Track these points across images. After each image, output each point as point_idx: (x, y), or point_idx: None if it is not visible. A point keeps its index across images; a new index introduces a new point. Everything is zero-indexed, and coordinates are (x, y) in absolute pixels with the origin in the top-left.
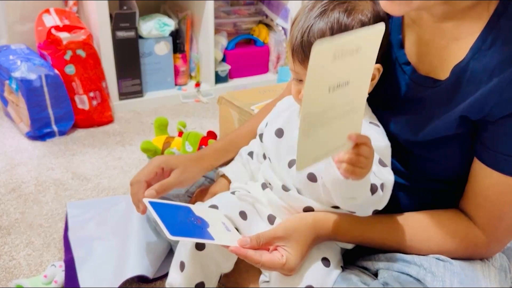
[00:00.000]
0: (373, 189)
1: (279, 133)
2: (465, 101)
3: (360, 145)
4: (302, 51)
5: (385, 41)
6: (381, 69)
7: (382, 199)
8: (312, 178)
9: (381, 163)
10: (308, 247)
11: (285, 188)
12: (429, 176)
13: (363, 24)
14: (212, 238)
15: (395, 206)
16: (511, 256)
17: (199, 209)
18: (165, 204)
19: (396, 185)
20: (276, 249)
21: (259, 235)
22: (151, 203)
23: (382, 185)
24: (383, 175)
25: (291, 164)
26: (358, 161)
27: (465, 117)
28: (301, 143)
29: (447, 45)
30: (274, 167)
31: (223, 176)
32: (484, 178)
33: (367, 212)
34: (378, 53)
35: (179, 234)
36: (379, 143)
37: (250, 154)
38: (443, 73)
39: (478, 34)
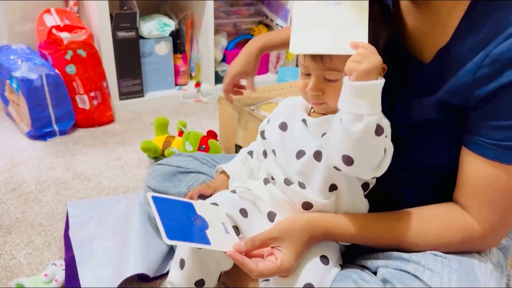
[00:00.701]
0: (378, 130)
1: (283, 126)
2: (444, 85)
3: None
4: None
5: (390, 41)
6: (386, 68)
7: (383, 161)
8: (317, 156)
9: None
10: (303, 247)
11: (287, 182)
12: (422, 168)
13: (370, 22)
14: (208, 243)
15: (392, 199)
16: (507, 253)
17: (200, 206)
18: (167, 200)
19: (392, 178)
20: (271, 254)
21: (254, 238)
22: (154, 199)
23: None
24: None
25: (299, 155)
26: (353, 58)
27: (445, 101)
28: (294, 30)
29: (430, 31)
30: (279, 160)
31: (222, 172)
32: (471, 166)
33: (368, 168)
34: (384, 52)
35: (176, 237)
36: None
37: (250, 153)
38: (427, 57)
39: (459, 19)
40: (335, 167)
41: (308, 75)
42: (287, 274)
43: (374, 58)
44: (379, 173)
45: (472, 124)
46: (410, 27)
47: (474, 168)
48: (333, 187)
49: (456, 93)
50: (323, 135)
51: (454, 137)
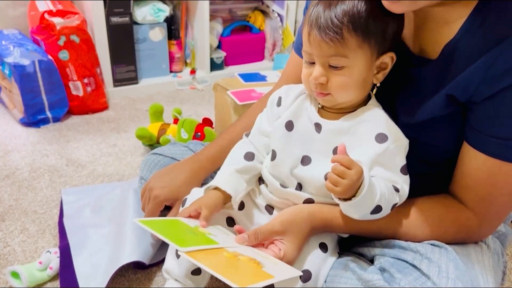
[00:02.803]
0: (376, 209)
1: (289, 125)
2: (453, 79)
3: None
4: (323, 26)
5: (400, 32)
6: (395, 58)
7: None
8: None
9: (403, 170)
10: (305, 239)
11: (283, 186)
12: (418, 158)
13: (381, 9)
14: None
15: None
16: (505, 240)
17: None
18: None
19: None
20: (272, 243)
21: (257, 231)
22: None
23: (394, 205)
24: (403, 190)
25: (304, 161)
26: (331, 178)
27: (452, 96)
28: None
29: (437, 28)
30: (277, 163)
31: (216, 189)
32: (472, 160)
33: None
34: (393, 42)
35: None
36: (403, 141)
37: (248, 155)
38: (434, 53)
39: (467, 16)
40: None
41: (312, 63)
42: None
43: (351, 175)
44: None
45: (476, 120)
46: (413, 25)
47: (474, 163)
48: None
49: (464, 87)
50: (334, 149)
51: (454, 132)
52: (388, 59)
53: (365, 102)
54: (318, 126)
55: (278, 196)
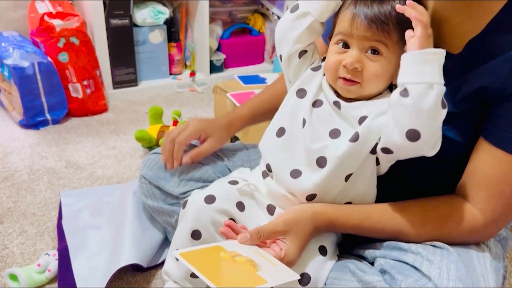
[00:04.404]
0: (443, 102)
1: (314, 102)
2: (479, 76)
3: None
4: (374, 10)
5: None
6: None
7: (439, 137)
8: (355, 138)
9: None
10: (307, 239)
11: (293, 175)
12: (434, 155)
13: None
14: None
15: (392, 180)
16: (506, 244)
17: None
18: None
19: (402, 163)
20: (274, 242)
21: (259, 230)
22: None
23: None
24: None
25: (334, 134)
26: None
27: (477, 92)
28: None
29: (462, 22)
30: (293, 143)
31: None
32: (487, 157)
33: (430, 143)
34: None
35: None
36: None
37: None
38: (455, 48)
39: (495, 12)
40: (385, 149)
41: (345, 50)
42: (290, 266)
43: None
44: (435, 150)
45: (498, 116)
46: (436, 17)
47: (489, 159)
48: (348, 177)
49: (491, 85)
50: (360, 119)
51: (470, 128)
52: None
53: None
54: (337, 104)
55: (284, 185)
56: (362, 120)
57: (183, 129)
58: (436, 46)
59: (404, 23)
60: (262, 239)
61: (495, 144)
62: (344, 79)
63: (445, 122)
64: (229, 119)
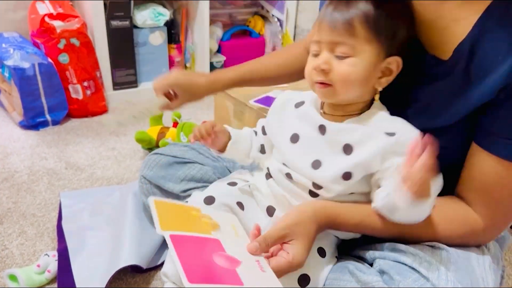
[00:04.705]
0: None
1: (295, 138)
2: (473, 83)
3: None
4: (336, 12)
5: (410, 38)
6: (400, 65)
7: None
8: (346, 176)
9: None
10: (312, 238)
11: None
12: None
13: (396, 9)
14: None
15: None
16: (504, 244)
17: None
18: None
19: None
20: (281, 249)
21: (266, 237)
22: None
23: None
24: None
25: (315, 165)
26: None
27: (474, 101)
28: None
29: (447, 26)
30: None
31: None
32: (481, 163)
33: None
34: (402, 46)
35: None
36: (413, 132)
37: (255, 132)
38: (445, 53)
39: (480, 12)
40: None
41: (318, 55)
42: (300, 267)
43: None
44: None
45: (491, 122)
46: (425, 22)
47: (484, 165)
48: (347, 177)
49: (485, 92)
50: (344, 146)
51: (464, 134)
52: (394, 64)
53: (368, 106)
54: (322, 128)
55: (285, 187)
56: (346, 148)
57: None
58: (426, 52)
59: (373, 21)
60: (270, 246)
61: (489, 151)
62: (319, 83)
63: (437, 133)
64: (214, 76)
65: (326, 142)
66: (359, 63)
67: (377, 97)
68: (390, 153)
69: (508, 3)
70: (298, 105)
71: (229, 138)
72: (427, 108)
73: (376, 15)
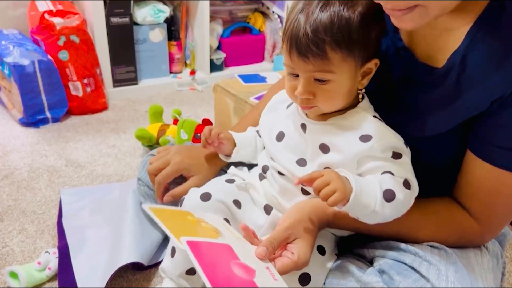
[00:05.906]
0: (388, 195)
1: (280, 136)
2: (465, 93)
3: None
4: (303, 43)
5: (382, 36)
6: (378, 63)
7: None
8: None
9: (395, 156)
10: (315, 235)
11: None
12: (423, 166)
13: (362, 16)
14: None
15: None
16: (505, 240)
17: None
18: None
19: None
20: (285, 249)
21: (271, 240)
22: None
23: (405, 181)
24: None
25: (300, 163)
26: (324, 193)
27: (470, 114)
28: None
29: (441, 35)
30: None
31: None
32: (476, 170)
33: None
34: (376, 47)
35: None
36: (389, 139)
37: (258, 132)
38: (439, 61)
39: (472, 23)
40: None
41: (296, 76)
42: (305, 266)
43: (335, 178)
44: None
45: (484, 130)
46: (417, 31)
47: (479, 172)
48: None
49: (478, 101)
50: (320, 145)
51: (458, 141)
52: (373, 65)
53: (354, 105)
54: (303, 127)
55: (280, 185)
56: (322, 147)
57: (164, 164)
58: (421, 61)
59: (341, 37)
60: (276, 248)
61: (483, 158)
62: (303, 105)
63: (430, 139)
64: (212, 154)
65: (306, 140)
66: (340, 80)
67: (360, 96)
68: (365, 157)
69: (498, 13)
70: (289, 105)
71: (235, 145)
72: (418, 116)
73: (345, 32)
